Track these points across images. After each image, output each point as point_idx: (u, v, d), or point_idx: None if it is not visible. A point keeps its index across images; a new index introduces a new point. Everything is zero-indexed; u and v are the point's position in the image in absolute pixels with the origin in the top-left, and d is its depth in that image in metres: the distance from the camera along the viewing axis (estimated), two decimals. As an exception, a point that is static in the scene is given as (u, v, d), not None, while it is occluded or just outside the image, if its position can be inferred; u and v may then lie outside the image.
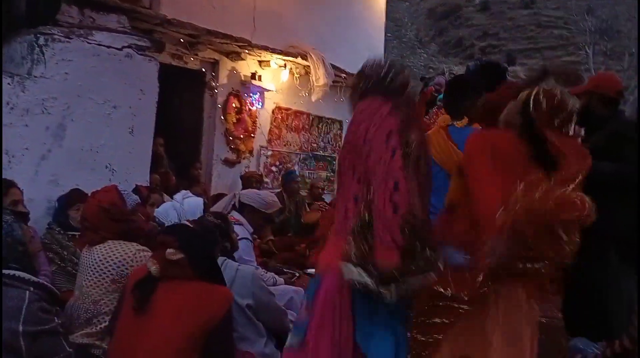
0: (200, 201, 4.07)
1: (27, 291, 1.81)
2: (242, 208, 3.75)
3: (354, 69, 8.28)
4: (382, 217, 1.74)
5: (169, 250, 2.08)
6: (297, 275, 5.12)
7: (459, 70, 13.38)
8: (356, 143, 1.93)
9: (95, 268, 2.56)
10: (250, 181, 6.26)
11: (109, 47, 4.35)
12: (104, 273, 2.55)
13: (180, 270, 2.08)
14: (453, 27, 29.40)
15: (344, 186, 1.99)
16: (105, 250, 2.60)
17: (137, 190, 4.08)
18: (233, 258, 2.82)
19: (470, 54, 20.49)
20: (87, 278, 2.57)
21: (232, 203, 3.88)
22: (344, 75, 7.61)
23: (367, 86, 2.08)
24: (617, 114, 3.19)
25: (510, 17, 28.84)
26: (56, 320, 1.88)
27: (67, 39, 4.10)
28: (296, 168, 7.55)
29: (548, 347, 3.69)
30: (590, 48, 19.33)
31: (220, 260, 2.61)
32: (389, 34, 19.02)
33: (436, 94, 10.21)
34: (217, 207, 3.93)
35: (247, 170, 6.70)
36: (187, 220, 2.62)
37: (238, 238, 3.10)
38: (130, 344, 2.03)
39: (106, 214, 2.71)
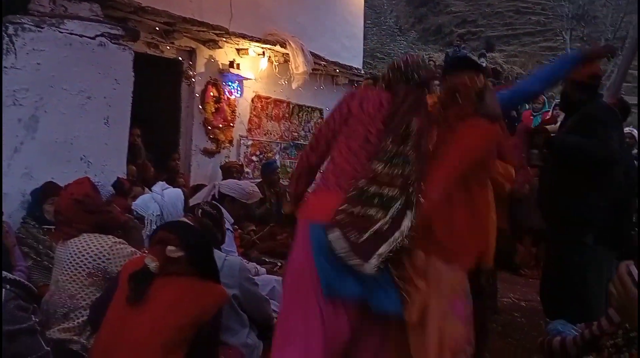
0: (179, 192, 4.00)
1: (4, 290, 1.76)
2: (222, 198, 3.72)
3: (333, 56, 8.31)
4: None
5: (169, 248, 2.07)
6: (279, 264, 5.11)
7: (439, 57, 13.38)
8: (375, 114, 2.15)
9: (71, 262, 2.51)
10: (230, 171, 6.20)
11: (81, 36, 4.24)
12: (80, 266, 2.50)
13: (179, 267, 2.07)
14: (432, 15, 29.39)
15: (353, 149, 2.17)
16: (81, 243, 2.55)
17: (118, 183, 4.02)
18: (220, 249, 2.79)
19: (450, 41, 20.47)
20: (63, 273, 2.52)
21: (212, 193, 3.84)
22: (324, 63, 7.56)
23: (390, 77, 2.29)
24: (593, 97, 3.21)
25: (488, 3, 28.87)
26: (33, 318, 1.84)
27: (38, 28, 3.99)
28: (277, 157, 7.50)
29: (527, 329, 3.75)
30: (567, 34, 19.48)
31: (207, 249, 2.60)
32: (368, 22, 18.92)
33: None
34: (197, 198, 3.88)
35: (227, 160, 6.63)
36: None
37: (219, 228, 3.07)
38: (117, 335, 2.00)
39: (80, 206, 2.66)
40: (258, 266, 3.94)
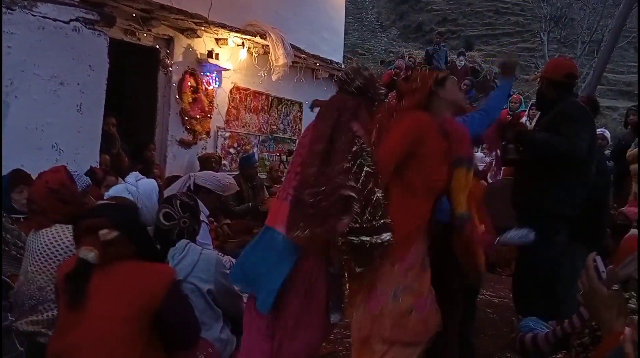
0: (154, 182, 3.91)
1: None
2: (197, 190, 3.65)
3: (313, 50, 8.26)
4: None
5: (102, 231, 1.94)
6: (255, 258, 5.08)
7: (419, 54, 13.43)
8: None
9: (41, 253, 2.43)
10: (209, 162, 6.12)
11: (55, 20, 4.13)
12: (51, 258, 2.41)
13: (121, 248, 1.97)
14: (413, 12, 29.53)
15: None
16: (53, 234, 2.46)
17: (91, 172, 3.93)
18: (195, 242, 2.73)
19: (430, 39, 20.63)
20: (33, 264, 2.43)
21: (187, 184, 3.77)
22: (304, 56, 7.51)
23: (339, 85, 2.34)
24: (568, 96, 3.25)
25: (468, 2, 29.14)
26: (9, 317, 1.75)
27: (9, 11, 3.87)
28: (255, 150, 7.43)
29: (499, 325, 3.79)
30: (545, 35, 19.76)
31: (183, 242, 2.53)
32: (349, 17, 18.92)
33: (395, 78, 10.27)
34: (172, 189, 3.81)
35: (204, 151, 6.53)
36: (161, 208, 2.50)
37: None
38: (67, 341, 1.90)
39: (55, 195, 2.57)
40: (233, 260, 3.89)
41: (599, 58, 8.35)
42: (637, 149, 5.51)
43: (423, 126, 2.27)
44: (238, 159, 6.85)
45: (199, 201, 3.50)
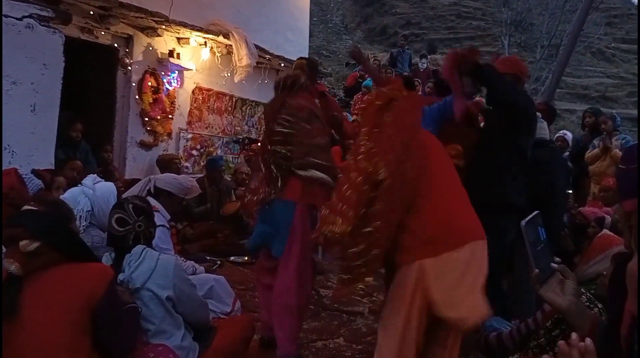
0: (112, 185, 3.78)
1: None
2: (158, 193, 3.53)
3: (278, 50, 8.19)
4: None
5: (21, 243, 1.85)
6: (219, 263, 4.98)
7: (383, 57, 13.53)
8: None
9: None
10: (172, 164, 5.95)
11: (6, 16, 3.96)
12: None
13: (45, 258, 1.87)
14: (378, 15, 29.82)
15: None
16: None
17: (36, 174, 3.74)
18: (152, 246, 2.63)
19: (394, 42, 20.84)
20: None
21: (147, 188, 3.65)
22: (268, 56, 7.43)
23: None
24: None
25: (432, 6, 29.61)
26: None
27: (-45, 5, 3.67)
28: (219, 151, 7.31)
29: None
30: (505, 39, 20.21)
31: (140, 248, 2.42)
32: (314, 19, 18.91)
33: (360, 80, 10.28)
34: (130, 192, 3.68)
35: (165, 153, 6.36)
36: (29, 203, 2.35)
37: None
38: (11, 352, 1.78)
39: (5, 200, 2.43)
40: (196, 265, 3.80)
41: (558, 62, 8.60)
42: (594, 151, 5.67)
43: None
44: (201, 162, 6.72)
45: (159, 204, 3.41)
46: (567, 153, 5.95)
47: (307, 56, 9.06)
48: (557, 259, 1.43)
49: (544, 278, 1.38)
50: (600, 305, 2.01)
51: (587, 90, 21.52)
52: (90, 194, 3.42)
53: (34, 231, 1.87)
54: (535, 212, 1.41)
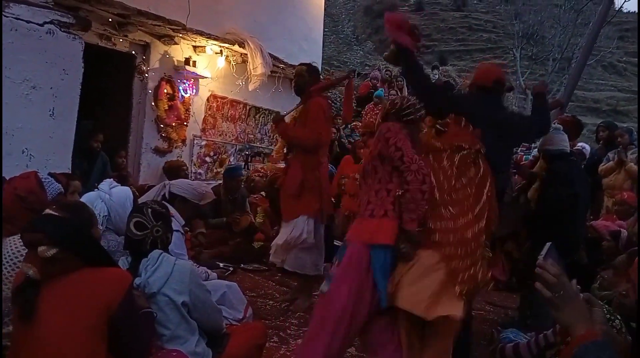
0: (128, 190, 3.81)
1: None
2: (173, 198, 3.55)
3: (292, 59, 8.26)
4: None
5: (40, 248, 1.84)
6: (231, 269, 4.99)
7: (394, 67, 13.55)
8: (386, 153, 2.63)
9: (7, 263, 2.31)
10: (181, 170, 5.99)
11: (28, 22, 4.01)
12: (14, 269, 2.30)
13: (63, 264, 1.86)
14: (389, 26, 29.91)
15: (367, 185, 2.71)
16: (16, 243, 2.34)
17: (52, 177, 3.77)
18: (168, 251, 2.64)
19: (405, 52, 21.02)
20: (3, 273, 2.32)
21: (162, 193, 3.68)
22: (282, 65, 7.49)
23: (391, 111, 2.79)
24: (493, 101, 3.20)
25: (442, 18, 29.75)
26: None
27: (-20, 10, 3.73)
28: (232, 159, 7.35)
29: (477, 338, 3.78)
30: (517, 51, 20.23)
31: (156, 252, 2.42)
32: (326, 30, 19.00)
33: (373, 90, 10.29)
34: (146, 197, 3.71)
35: (171, 160, 6.36)
36: (51, 206, 2.35)
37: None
38: (27, 357, 1.80)
39: (22, 203, 2.46)
40: (209, 271, 3.80)
41: (571, 75, 8.53)
42: (609, 163, 5.64)
43: None
44: (214, 168, 6.75)
45: (174, 209, 3.43)
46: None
47: (320, 64, 9.13)
48: (578, 287, 1.39)
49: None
50: (619, 317, 2.00)
51: (598, 103, 21.44)
52: (107, 199, 3.44)
53: (53, 238, 1.86)
54: (548, 245, 1.37)
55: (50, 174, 3.83)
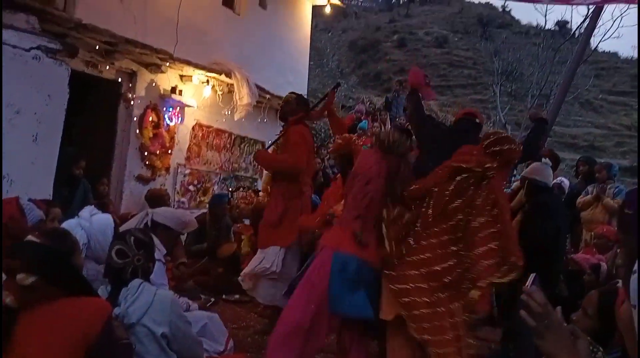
0: (109, 217, 3.74)
1: None
2: (155, 226, 3.50)
3: (277, 90, 8.31)
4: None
5: (18, 276, 1.82)
6: (212, 300, 4.90)
7: (378, 101, 13.76)
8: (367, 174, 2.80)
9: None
10: (163, 199, 5.90)
11: (14, 47, 4.02)
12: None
13: (42, 292, 1.82)
14: (372, 62, 30.60)
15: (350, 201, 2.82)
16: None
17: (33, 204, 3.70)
18: (149, 281, 2.59)
19: (387, 87, 21.33)
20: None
21: (145, 221, 3.62)
22: (268, 96, 7.54)
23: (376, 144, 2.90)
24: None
25: (424, 54, 30.47)
26: None
27: (-34, 34, 3.72)
28: (216, 188, 7.31)
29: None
30: (497, 87, 20.69)
31: (137, 281, 2.38)
32: (311, 63, 19.28)
33: (357, 122, 10.41)
34: (128, 225, 3.65)
35: (154, 188, 6.29)
36: (34, 233, 2.30)
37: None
38: None
39: (5, 230, 2.39)
40: (190, 302, 3.73)
41: (549, 111, 8.75)
42: (587, 197, 5.73)
43: None
44: (198, 197, 6.70)
45: (156, 239, 3.37)
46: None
47: (306, 96, 9.22)
48: (561, 316, 1.40)
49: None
50: (601, 349, 2.01)
51: (575, 139, 21.94)
52: (87, 226, 3.37)
53: (32, 266, 1.84)
54: (533, 275, 1.39)
55: (30, 200, 3.76)
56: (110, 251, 2.48)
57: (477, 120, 3.34)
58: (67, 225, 3.63)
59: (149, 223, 3.57)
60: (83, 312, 1.85)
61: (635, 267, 1.31)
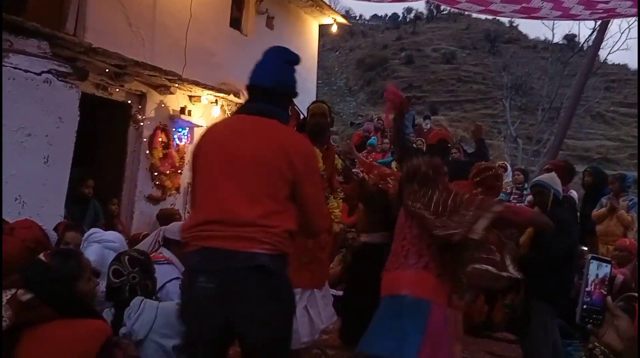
0: (119, 235, 3.76)
1: None
2: (168, 243, 3.50)
3: (287, 109, 8.20)
4: None
5: (18, 291, 1.82)
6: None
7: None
8: None
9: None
10: (173, 219, 5.87)
11: (26, 71, 4.09)
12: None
13: (39, 311, 1.81)
14: (380, 78, 30.71)
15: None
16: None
17: (56, 228, 3.72)
18: (152, 298, 2.58)
19: (396, 103, 21.51)
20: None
21: (157, 239, 3.62)
22: (276, 115, 7.57)
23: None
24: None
25: (432, 70, 30.53)
26: None
27: (-21, 59, 3.80)
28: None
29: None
30: (507, 102, 20.65)
31: (138, 299, 2.38)
32: (319, 81, 19.46)
33: (365, 140, 10.42)
34: (143, 244, 3.65)
35: (165, 208, 6.31)
36: (46, 252, 2.29)
37: (168, 279, 2.88)
38: None
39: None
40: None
41: (560, 124, 8.73)
42: (601, 210, 5.65)
43: None
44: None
45: (172, 254, 3.35)
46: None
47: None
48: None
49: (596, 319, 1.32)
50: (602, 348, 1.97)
51: (588, 152, 21.75)
52: (117, 247, 3.30)
53: (30, 283, 1.84)
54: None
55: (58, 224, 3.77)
56: (108, 272, 2.50)
57: (449, 144, 3.59)
58: (96, 254, 3.43)
59: (161, 241, 3.57)
60: (80, 335, 1.85)
61: None
